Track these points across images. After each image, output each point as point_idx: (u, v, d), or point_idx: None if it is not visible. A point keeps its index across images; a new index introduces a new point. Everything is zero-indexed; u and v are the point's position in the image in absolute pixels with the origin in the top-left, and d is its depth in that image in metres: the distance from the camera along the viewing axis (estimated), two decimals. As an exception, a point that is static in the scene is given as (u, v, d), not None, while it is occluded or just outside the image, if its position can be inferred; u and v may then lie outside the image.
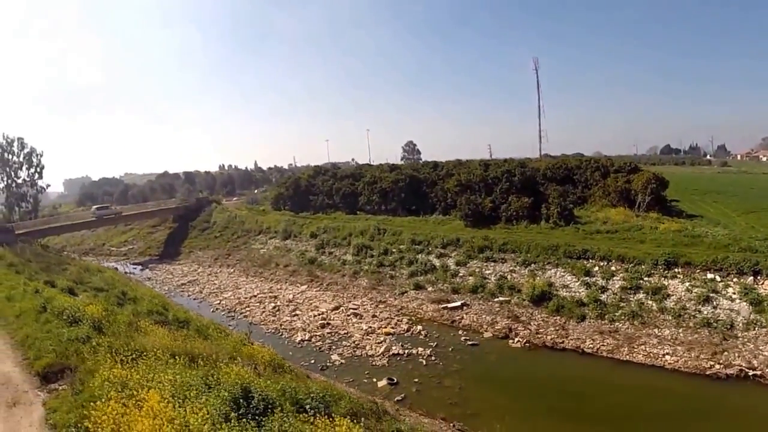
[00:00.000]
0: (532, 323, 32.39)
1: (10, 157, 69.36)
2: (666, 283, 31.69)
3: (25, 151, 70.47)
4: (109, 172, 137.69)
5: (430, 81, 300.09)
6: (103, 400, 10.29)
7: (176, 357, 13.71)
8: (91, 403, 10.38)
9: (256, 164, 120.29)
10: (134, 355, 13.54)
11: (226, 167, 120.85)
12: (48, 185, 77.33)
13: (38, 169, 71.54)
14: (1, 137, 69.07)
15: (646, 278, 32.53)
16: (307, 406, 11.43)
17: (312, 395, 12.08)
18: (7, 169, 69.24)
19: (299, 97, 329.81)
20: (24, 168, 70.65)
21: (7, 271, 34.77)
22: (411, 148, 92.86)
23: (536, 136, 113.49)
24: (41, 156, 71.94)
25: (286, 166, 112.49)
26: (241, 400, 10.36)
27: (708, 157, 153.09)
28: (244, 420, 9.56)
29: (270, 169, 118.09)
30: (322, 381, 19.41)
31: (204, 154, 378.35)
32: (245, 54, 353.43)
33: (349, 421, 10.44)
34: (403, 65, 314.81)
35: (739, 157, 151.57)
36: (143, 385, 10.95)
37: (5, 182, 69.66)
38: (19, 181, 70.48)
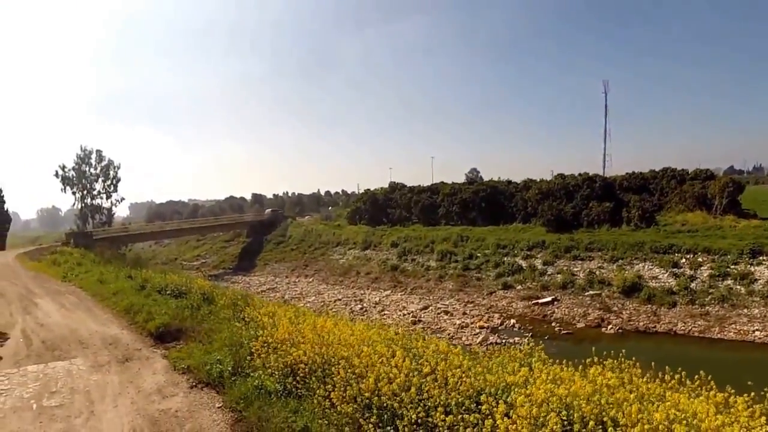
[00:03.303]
0: (623, 312, 36.01)
1: (87, 168, 72.43)
2: (752, 270, 35.29)
3: (103, 163, 73.54)
4: (173, 197, 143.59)
5: (491, 108, 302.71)
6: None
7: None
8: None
9: (319, 191, 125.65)
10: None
11: (285, 194, 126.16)
12: (122, 198, 79.69)
13: (114, 182, 74.56)
14: (80, 149, 72.49)
15: (732, 266, 36.18)
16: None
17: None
18: (83, 180, 72.24)
19: (360, 125, 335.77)
20: (100, 180, 73.68)
21: (92, 264, 37.71)
22: (474, 176, 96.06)
23: (594, 161, 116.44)
24: (118, 169, 75.08)
25: (349, 191, 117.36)
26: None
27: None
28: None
29: (336, 193, 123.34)
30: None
31: (265, 182, 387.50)
32: (309, 86, 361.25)
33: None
34: (465, 92, 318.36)
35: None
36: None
37: (81, 193, 72.49)
38: (95, 192, 73.59)
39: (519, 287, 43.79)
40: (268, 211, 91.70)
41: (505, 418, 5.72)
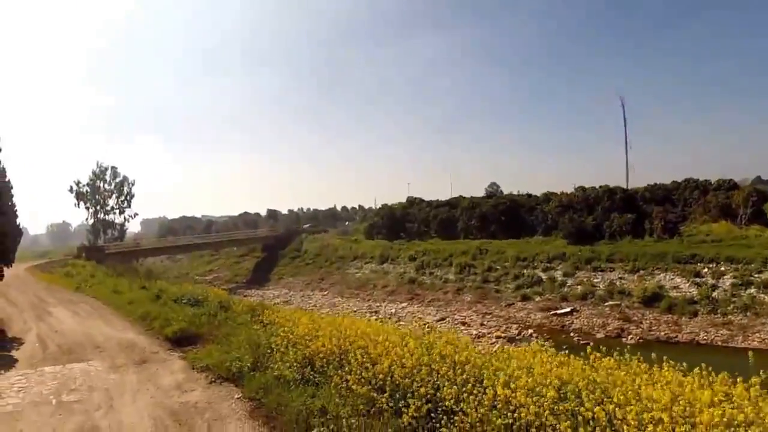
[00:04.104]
0: (644, 322, 36.28)
1: (102, 184, 74.54)
2: None
3: (117, 180, 75.55)
4: (186, 213, 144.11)
5: (509, 123, 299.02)
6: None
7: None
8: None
9: (335, 206, 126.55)
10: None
11: (300, 209, 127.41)
12: (136, 214, 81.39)
13: (128, 198, 76.35)
14: (96, 165, 74.78)
15: (756, 275, 36.17)
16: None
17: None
18: (97, 196, 74.14)
19: (376, 141, 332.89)
20: (114, 196, 75.60)
21: (105, 276, 39.27)
22: (494, 190, 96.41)
23: (616, 172, 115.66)
24: (133, 185, 77.04)
25: (366, 207, 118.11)
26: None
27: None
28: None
29: (353, 208, 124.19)
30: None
31: (280, 197, 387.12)
32: (324, 103, 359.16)
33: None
34: (482, 108, 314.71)
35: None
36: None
37: (94, 208, 74.42)
38: (108, 208, 75.32)
39: (537, 298, 44.34)
40: (306, 225, 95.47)
41: (506, 389, 6.40)
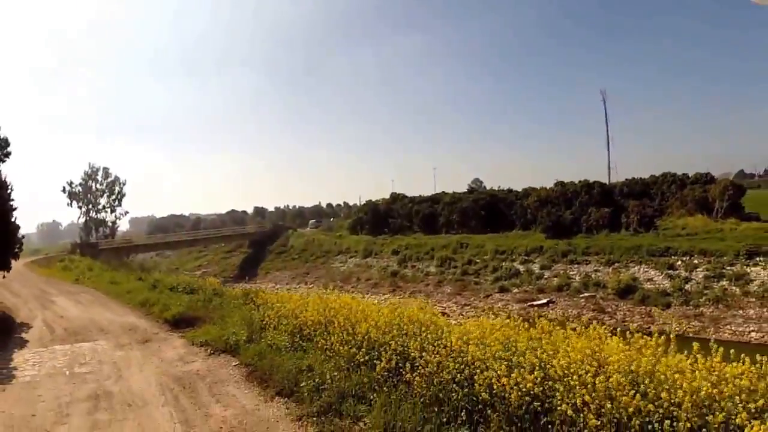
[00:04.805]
0: (617, 313, 37.66)
1: (93, 184, 76.75)
2: (749, 270, 36.17)
3: (109, 179, 77.83)
4: (174, 212, 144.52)
5: (495, 119, 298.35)
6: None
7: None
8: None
9: (320, 203, 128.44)
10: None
11: (286, 207, 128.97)
12: (126, 212, 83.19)
13: (119, 197, 78.49)
14: (88, 166, 77.00)
15: (728, 267, 37.21)
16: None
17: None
18: (89, 195, 76.33)
19: (361, 139, 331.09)
20: (105, 195, 77.78)
21: (101, 270, 40.69)
22: (477, 186, 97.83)
23: (597, 170, 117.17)
24: (124, 185, 79.13)
25: (351, 204, 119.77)
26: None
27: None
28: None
29: (338, 205, 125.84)
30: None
31: (267, 195, 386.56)
32: (306, 101, 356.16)
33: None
34: (466, 105, 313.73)
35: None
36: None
37: (86, 207, 76.61)
38: (99, 207, 77.44)
39: (515, 290, 45.74)
40: (312, 221, 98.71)
41: (459, 341, 7.89)
